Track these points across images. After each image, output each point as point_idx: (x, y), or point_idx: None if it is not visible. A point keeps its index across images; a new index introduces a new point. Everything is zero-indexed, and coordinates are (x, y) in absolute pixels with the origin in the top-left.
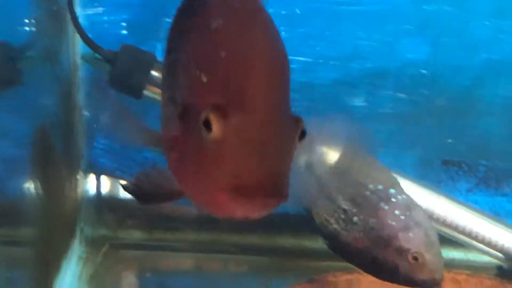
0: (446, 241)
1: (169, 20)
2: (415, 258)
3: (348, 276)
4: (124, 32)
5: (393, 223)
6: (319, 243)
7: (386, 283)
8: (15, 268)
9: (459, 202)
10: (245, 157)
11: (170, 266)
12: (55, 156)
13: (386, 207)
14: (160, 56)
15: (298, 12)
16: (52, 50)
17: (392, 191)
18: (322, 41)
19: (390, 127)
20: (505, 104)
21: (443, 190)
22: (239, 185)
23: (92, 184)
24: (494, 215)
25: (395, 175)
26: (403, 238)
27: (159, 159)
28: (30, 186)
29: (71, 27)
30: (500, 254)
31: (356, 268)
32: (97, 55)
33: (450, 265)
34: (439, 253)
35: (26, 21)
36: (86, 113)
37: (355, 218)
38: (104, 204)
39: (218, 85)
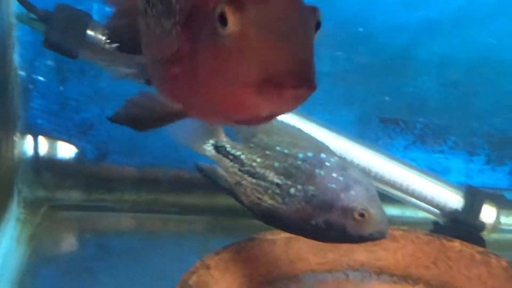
0: (383, 198)
1: None
2: (361, 215)
3: (287, 234)
4: None
5: (333, 185)
6: None
7: None
8: None
9: (397, 159)
10: (270, 46)
11: (110, 227)
12: None
13: (322, 172)
14: (96, 16)
15: None
16: None
17: (323, 155)
18: None
19: (328, 85)
20: (441, 62)
21: (380, 148)
22: (269, 76)
23: (29, 145)
24: (431, 171)
25: (333, 134)
26: (346, 198)
27: (98, 118)
28: None
29: None
30: (436, 210)
31: None
32: (32, 15)
33: (389, 221)
34: (381, 206)
35: None
36: (21, 73)
37: (292, 190)
38: (42, 165)
39: None
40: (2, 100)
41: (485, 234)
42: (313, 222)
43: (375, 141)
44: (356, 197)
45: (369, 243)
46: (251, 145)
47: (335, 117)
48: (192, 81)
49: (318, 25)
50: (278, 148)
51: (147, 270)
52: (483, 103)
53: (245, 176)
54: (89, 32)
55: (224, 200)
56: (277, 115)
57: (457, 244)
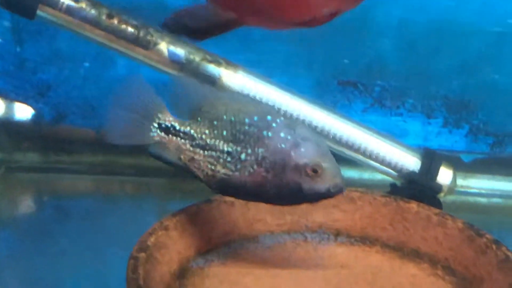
0: (341, 160)
1: None
2: (314, 170)
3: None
4: None
5: (282, 145)
6: None
7: None
8: None
9: (355, 122)
10: None
11: (68, 189)
12: None
13: (270, 134)
14: None
15: None
16: None
17: (269, 117)
18: None
19: (287, 48)
20: (400, 25)
21: (339, 111)
22: None
23: None
24: (389, 134)
25: (291, 97)
26: (296, 156)
27: (56, 80)
28: None
29: None
30: (393, 172)
31: None
32: None
33: (347, 183)
34: (333, 160)
35: None
36: None
37: (243, 156)
38: None
39: None
40: None
41: (441, 196)
42: (267, 185)
43: (333, 103)
44: (307, 153)
45: (327, 205)
46: (199, 118)
47: (293, 80)
48: None
49: None
50: (224, 117)
51: (105, 232)
52: (441, 66)
53: (197, 150)
54: None
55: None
56: (337, 14)
57: (414, 205)
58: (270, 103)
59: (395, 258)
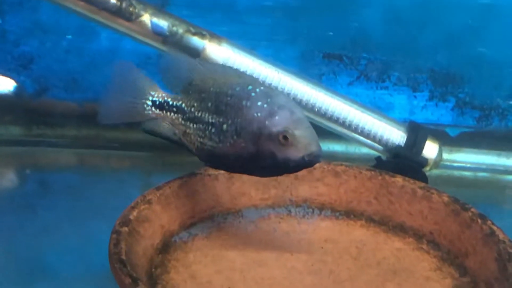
0: (327, 134)
1: None
2: (285, 137)
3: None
4: None
5: (258, 114)
6: None
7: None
8: None
9: (340, 95)
10: None
11: (51, 162)
12: None
13: (248, 103)
14: None
15: None
16: None
17: (249, 87)
18: None
19: (272, 21)
20: None
21: (324, 84)
22: None
23: None
24: (374, 108)
25: (276, 69)
26: (270, 124)
27: (38, 52)
28: None
29: None
30: (379, 146)
31: None
32: None
33: (332, 157)
34: (309, 128)
35: None
36: None
37: (225, 126)
38: None
39: None
40: None
41: (427, 170)
42: (247, 156)
43: (318, 76)
44: (279, 121)
45: (311, 179)
46: (190, 92)
47: (278, 53)
48: None
49: None
50: (211, 89)
51: (88, 206)
52: (427, 39)
53: (188, 123)
54: None
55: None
56: None
57: (399, 179)
58: (254, 76)
59: (380, 232)
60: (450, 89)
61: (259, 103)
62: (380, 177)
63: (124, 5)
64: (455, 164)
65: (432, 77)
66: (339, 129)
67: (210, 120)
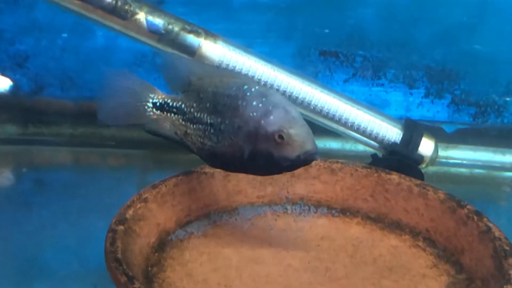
0: (323, 131)
1: None
2: (281, 137)
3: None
4: None
5: (254, 113)
6: None
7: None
8: None
9: (336, 93)
10: None
11: (47, 161)
12: None
13: (244, 103)
14: None
15: None
16: None
17: (245, 87)
18: None
19: (268, 18)
20: None
21: (320, 81)
22: None
23: None
24: (370, 105)
25: (272, 67)
26: (265, 124)
27: (34, 50)
28: None
29: None
30: (375, 143)
31: None
32: None
33: (328, 155)
34: (304, 126)
35: None
36: None
37: (222, 126)
38: None
39: None
40: None
41: (423, 167)
42: (244, 155)
43: (314, 74)
44: (275, 120)
45: (308, 176)
46: (189, 92)
47: (274, 51)
48: None
49: None
50: (209, 89)
51: (84, 204)
52: (423, 36)
53: (188, 124)
54: None
55: None
56: None
57: (395, 176)
58: (250, 74)
59: (376, 229)
60: (446, 86)
61: (254, 103)
62: (376, 175)
63: (119, 3)
64: (451, 161)
65: (428, 74)
66: (335, 126)
67: (208, 121)
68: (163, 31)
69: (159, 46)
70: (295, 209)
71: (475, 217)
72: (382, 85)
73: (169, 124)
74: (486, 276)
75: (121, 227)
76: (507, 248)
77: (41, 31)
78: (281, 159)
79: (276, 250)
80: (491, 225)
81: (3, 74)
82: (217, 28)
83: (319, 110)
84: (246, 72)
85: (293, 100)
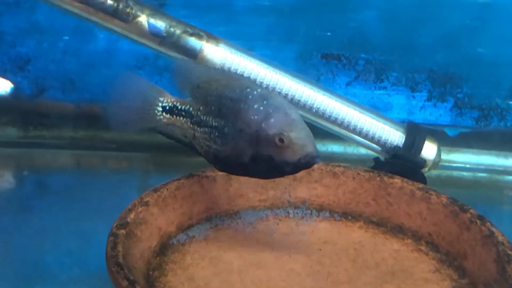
0: (325, 134)
1: None
2: (281, 140)
3: (226, 172)
4: None
5: (255, 116)
6: None
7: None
8: None
9: (338, 96)
10: None
11: (48, 164)
12: None
13: (245, 106)
14: None
15: None
16: None
17: (247, 89)
18: None
19: (269, 21)
20: None
21: (322, 84)
22: None
23: None
24: (373, 108)
25: (274, 70)
26: (266, 127)
27: (35, 53)
28: None
29: None
30: (377, 147)
31: None
32: None
33: (330, 158)
34: (305, 129)
35: None
36: None
37: (226, 129)
38: None
39: None
40: None
41: (426, 171)
42: (247, 158)
43: (316, 77)
44: (275, 123)
45: (310, 180)
46: (197, 95)
47: (276, 53)
48: None
49: None
50: (215, 92)
51: (85, 207)
52: (425, 39)
53: (195, 127)
54: None
55: (164, 137)
56: None
57: (397, 180)
58: (252, 77)
59: (378, 233)
60: (448, 89)
61: (255, 106)
62: (378, 178)
63: (121, 6)
64: (454, 165)
65: (430, 77)
66: (337, 129)
67: (213, 124)
68: (164, 34)
69: (161, 49)
70: (297, 213)
71: (478, 222)
72: (385, 88)
73: (178, 127)
74: (489, 281)
75: (122, 231)
76: (510, 252)
77: (42, 33)
78: (282, 162)
79: (278, 254)
80: (494, 229)
81: (4, 77)
82: (219, 31)
83: (321, 113)
84: (247, 76)
85: (295, 103)
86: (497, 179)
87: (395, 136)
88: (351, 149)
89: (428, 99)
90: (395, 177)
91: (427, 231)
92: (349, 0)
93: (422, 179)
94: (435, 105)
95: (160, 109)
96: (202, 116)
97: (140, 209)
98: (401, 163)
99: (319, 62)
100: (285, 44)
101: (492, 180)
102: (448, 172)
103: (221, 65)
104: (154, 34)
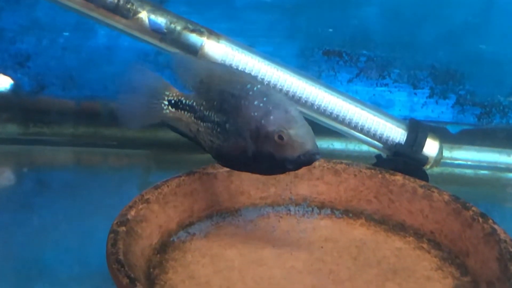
0: (326, 131)
1: None
2: (280, 137)
3: (228, 168)
4: None
5: (255, 113)
6: None
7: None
8: None
9: (340, 92)
10: None
11: (48, 161)
12: None
13: (246, 103)
14: None
15: None
16: None
17: (248, 86)
18: None
19: (271, 17)
20: None
21: (324, 80)
22: None
23: None
24: (374, 105)
25: (276, 67)
26: (266, 124)
27: (35, 49)
28: None
29: None
30: (379, 144)
31: None
32: None
33: (331, 155)
34: (304, 126)
35: None
36: None
37: (227, 125)
38: None
39: None
40: None
41: (427, 168)
42: (248, 155)
43: (318, 74)
44: (274, 120)
45: (311, 177)
46: (200, 90)
47: (278, 50)
48: None
49: None
50: (217, 88)
51: (86, 204)
52: (427, 36)
53: (199, 122)
54: None
55: (164, 134)
56: None
57: (399, 177)
58: (253, 73)
59: (380, 231)
60: (450, 86)
61: (255, 102)
62: (380, 176)
63: (121, 2)
64: (456, 162)
65: (432, 74)
66: (339, 126)
67: (216, 119)
68: (165, 30)
69: (162, 45)
70: (298, 210)
71: (480, 219)
72: (386, 85)
73: (184, 121)
74: (491, 278)
75: (123, 228)
76: None
77: (42, 30)
78: (282, 159)
79: (279, 251)
80: (496, 227)
81: (4, 73)
82: (220, 27)
83: (322, 110)
84: (249, 72)
85: (296, 100)
86: (499, 177)
87: (397, 133)
88: (352, 146)
89: (430, 96)
90: (397, 175)
91: (429, 228)
92: None
93: (424, 176)
94: (437, 102)
95: (166, 103)
96: (205, 111)
97: (140, 206)
98: (403, 160)
99: (321, 58)
100: (287, 40)
101: (494, 177)
102: (450, 170)
103: (222, 61)
104: (155, 31)
